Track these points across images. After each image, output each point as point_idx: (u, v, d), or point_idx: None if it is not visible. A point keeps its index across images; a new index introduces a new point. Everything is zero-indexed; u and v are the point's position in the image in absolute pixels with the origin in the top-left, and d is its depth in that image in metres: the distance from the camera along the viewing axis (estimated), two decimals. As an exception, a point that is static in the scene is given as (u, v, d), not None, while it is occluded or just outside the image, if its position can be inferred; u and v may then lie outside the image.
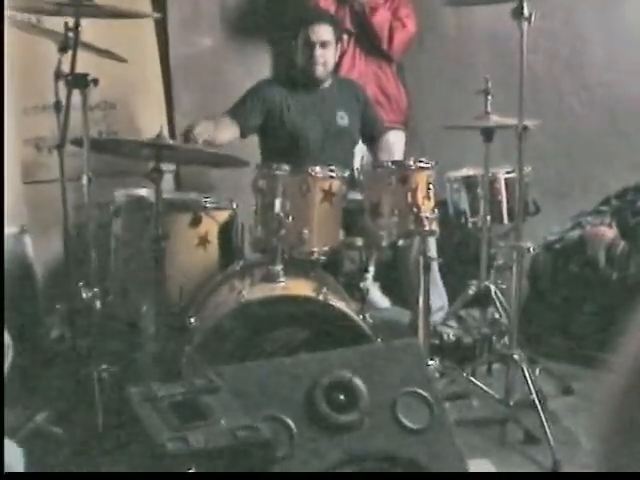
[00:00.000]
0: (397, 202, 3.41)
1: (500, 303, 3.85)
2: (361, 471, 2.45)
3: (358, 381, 2.57)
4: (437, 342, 3.84)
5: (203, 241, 3.63)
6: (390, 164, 3.52)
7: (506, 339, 3.70)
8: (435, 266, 3.90)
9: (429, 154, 3.58)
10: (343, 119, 4.20)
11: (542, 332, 4.22)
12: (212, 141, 3.93)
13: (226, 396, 2.30)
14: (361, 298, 3.51)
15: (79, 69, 3.15)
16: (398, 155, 4.55)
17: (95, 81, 3.15)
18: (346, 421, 2.52)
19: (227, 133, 4.09)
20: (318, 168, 3.38)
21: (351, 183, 3.51)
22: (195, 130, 3.88)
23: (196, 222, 3.61)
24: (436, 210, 3.45)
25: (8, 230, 3.91)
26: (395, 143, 4.62)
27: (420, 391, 2.63)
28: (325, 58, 4.10)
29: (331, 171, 3.41)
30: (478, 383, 3.61)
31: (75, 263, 3.53)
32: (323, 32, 4.10)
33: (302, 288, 3.27)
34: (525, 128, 3.32)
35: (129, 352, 3.54)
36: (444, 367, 3.66)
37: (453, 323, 4.11)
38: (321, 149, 4.11)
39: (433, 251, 3.75)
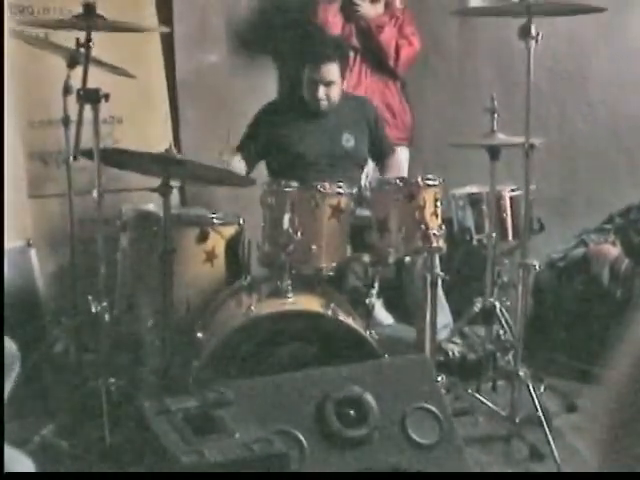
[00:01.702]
0: (404, 219, 3.43)
1: (505, 320, 3.85)
2: None
3: (368, 396, 2.59)
4: (442, 359, 3.84)
5: (210, 256, 3.64)
6: (397, 181, 3.53)
7: (511, 356, 3.70)
8: (440, 283, 3.91)
9: (433, 171, 3.60)
10: (349, 142, 4.21)
11: (546, 349, 4.22)
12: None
13: (238, 410, 2.31)
14: (366, 314, 3.52)
15: (83, 84, 3.18)
16: (404, 172, 4.57)
17: (106, 96, 3.18)
18: (356, 436, 2.54)
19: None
20: (327, 184, 3.40)
21: (359, 200, 3.53)
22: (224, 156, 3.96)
23: (203, 237, 3.62)
24: (443, 227, 3.47)
25: (14, 244, 3.93)
26: (402, 160, 4.65)
27: (430, 407, 2.66)
28: (329, 95, 4.12)
29: (339, 187, 3.43)
30: (483, 400, 3.62)
31: (82, 277, 3.55)
32: (328, 73, 4.09)
33: (310, 303, 3.28)
34: (532, 146, 3.35)
35: (136, 366, 3.55)
36: (449, 384, 3.67)
37: (458, 340, 4.11)
38: (326, 172, 4.11)
39: (438, 268, 3.76)
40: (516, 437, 3.43)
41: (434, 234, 3.40)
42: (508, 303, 3.88)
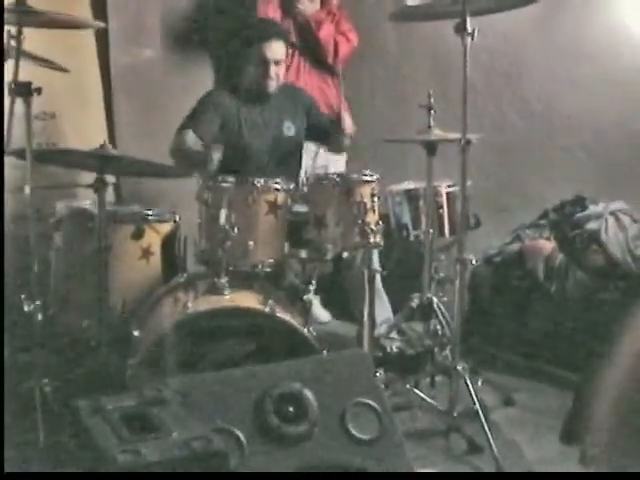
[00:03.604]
0: (342, 214, 3.42)
1: (442, 315, 3.86)
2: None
3: (307, 392, 2.57)
4: (381, 354, 3.84)
5: (146, 253, 3.61)
6: (335, 177, 3.52)
7: (448, 351, 3.72)
8: (379, 279, 3.91)
9: (370, 167, 3.60)
10: (290, 129, 4.20)
11: (483, 344, 4.26)
12: None
13: (176, 408, 2.28)
14: (305, 311, 3.50)
15: (14, 78, 3.11)
16: (341, 167, 4.58)
17: (38, 90, 3.11)
18: (296, 432, 2.52)
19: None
20: (263, 180, 3.38)
21: (296, 195, 3.51)
22: None
23: (139, 234, 3.59)
24: (380, 222, 3.47)
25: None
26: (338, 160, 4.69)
27: (369, 402, 2.64)
28: (278, 74, 4.10)
29: (276, 183, 3.41)
30: (422, 395, 3.63)
31: (14, 275, 3.47)
32: (278, 49, 4.09)
33: (248, 300, 3.26)
34: (468, 142, 3.37)
35: (71, 366, 3.49)
36: (388, 379, 3.67)
37: (396, 335, 4.12)
38: (269, 160, 4.10)
39: (377, 264, 3.77)
40: (455, 431, 3.45)
41: (371, 230, 3.40)
42: (445, 298, 3.90)
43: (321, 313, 4.88)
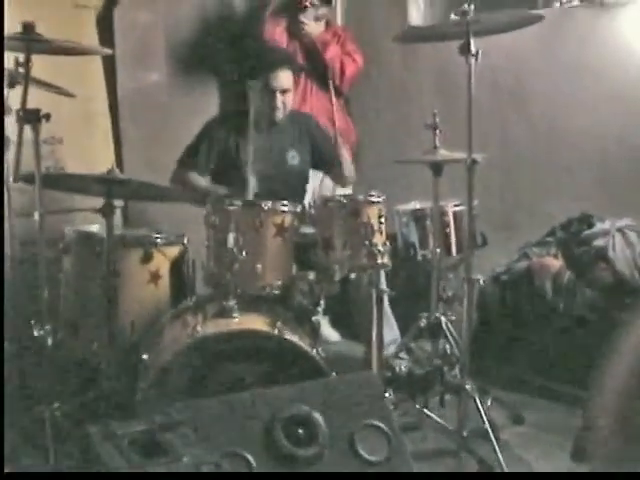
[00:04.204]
0: (349, 236, 3.43)
1: (451, 334, 3.87)
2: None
3: (317, 415, 2.59)
4: (389, 374, 3.83)
5: (154, 277, 3.62)
6: (341, 198, 3.53)
7: (457, 370, 3.72)
8: (386, 299, 3.92)
9: (376, 187, 3.61)
10: (294, 159, 4.23)
11: (492, 362, 4.25)
12: None
13: (186, 432, 2.29)
14: (313, 332, 3.51)
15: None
16: (348, 191, 4.60)
17: (47, 116, 3.13)
18: (305, 455, 2.53)
19: None
20: (270, 203, 3.39)
21: (303, 218, 3.52)
22: None
23: (147, 258, 3.61)
24: (387, 243, 3.48)
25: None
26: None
27: (378, 423, 2.65)
28: (285, 103, 4.13)
29: (283, 205, 3.42)
30: (431, 414, 3.63)
31: (24, 300, 3.48)
32: (285, 79, 4.12)
33: (256, 323, 3.26)
34: (474, 162, 3.38)
35: (81, 390, 3.50)
36: (397, 399, 3.67)
37: (405, 355, 4.12)
38: (272, 189, 4.11)
39: (384, 284, 3.77)
40: (464, 451, 3.44)
41: (379, 251, 3.41)
42: (453, 318, 3.90)
43: (330, 333, 4.89)
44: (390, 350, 4.03)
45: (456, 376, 3.73)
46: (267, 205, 3.38)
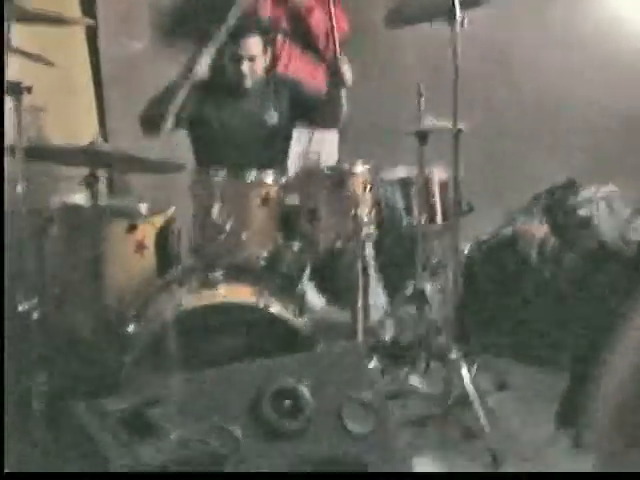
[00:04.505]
0: (334, 206, 3.44)
1: (436, 301, 3.89)
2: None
3: (303, 388, 2.60)
4: (375, 342, 3.86)
5: (140, 247, 3.59)
6: (326, 169, 3.53)
7: (443, 337, 3.75)
8: (372, 266, 3.93)
9: (362, 155, 3.61)
10: (272, 117, 4.20)
11: (477, 329, 4.28)
12: None
13: (173, 408, 2.30)
14: (299, 300, 3.53)
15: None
16: (334, 150, 4.58)
17: (29, 89, 3.11)
18: (293, 428, 2.55)
19: None
20: (255, 173, 3.39)
21: (288, 187, 3.52)
22: None
23: (132, 228, 3.57)
24: (373, 212, 3.49)
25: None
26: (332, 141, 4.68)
27: (364, 395, 2.67)
28: (253, 70, 4.10)
29: (268, 176, 3.42)
30: (416, 381, 3.66)
31: (9, 274, 3.48)
32: (251, 46, 4.07)
33: (242, 294, 3.27)
34: (460, 130, 3.38)
35: (68, 364, 3.50)
36: (383, 366, 3.70)
37: (391, 323, 4.14)
38: (252, 150, 4.10)
39: (370, 253, 3.78)
40: (449, 417, 3.48)
41: (364, 220, 3.42)
42: (439, 285, 3.93)
43: (316, 300, 4.89)
44: (375, 317, 4.05)
45: (441, 343, 3.76)
46: (251, 176, 3.38)
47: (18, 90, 3.10)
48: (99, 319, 3.41)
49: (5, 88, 3.09)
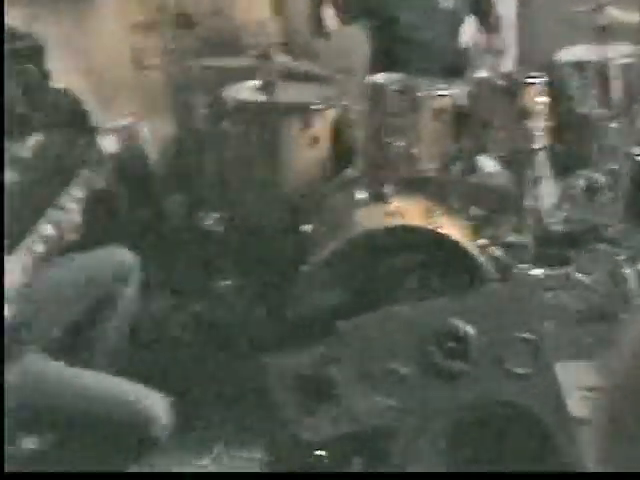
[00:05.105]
0: (505, 118, 3.41)
1: (608, 190, 3.84)
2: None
3: (469, 328, 2.71)
4: (545, 234, 3.86)
5: (314, 140, 3.62)
6: (499, 79, 3.45)
7: (614, 227, 3.74)
8: (545, 160, 3.85)
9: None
10: (447, 1, 4.08)
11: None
12: None
13: (349, 370, 2.46)
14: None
15: None
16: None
17: None
18: (458, 369, 2.69)
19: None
20: (427, 85, 3.38)
21: (460, 98, 3.48)
22: None
23: (307, 122, 3.63)
24: (545, 124, 3.43)
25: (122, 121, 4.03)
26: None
27: (527, 335, 2.76)
28: None
29: (441, 89, 3.40)
30: (582, 275, 3.69)
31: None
32: None
33: (414, 211, 3.31)
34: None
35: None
36: (549, 258, 3.73)
37: (561, 213, 4.11)
38: (424, 35, 4.04)
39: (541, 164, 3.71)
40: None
41: (536, 134, 3.39)
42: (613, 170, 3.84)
43: (489, 164, 4.87)
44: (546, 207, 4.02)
45: (611, 233, 3.76)
46: (425, 87, 3.37)
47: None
48: (275, 213, 3.58)
49: None
